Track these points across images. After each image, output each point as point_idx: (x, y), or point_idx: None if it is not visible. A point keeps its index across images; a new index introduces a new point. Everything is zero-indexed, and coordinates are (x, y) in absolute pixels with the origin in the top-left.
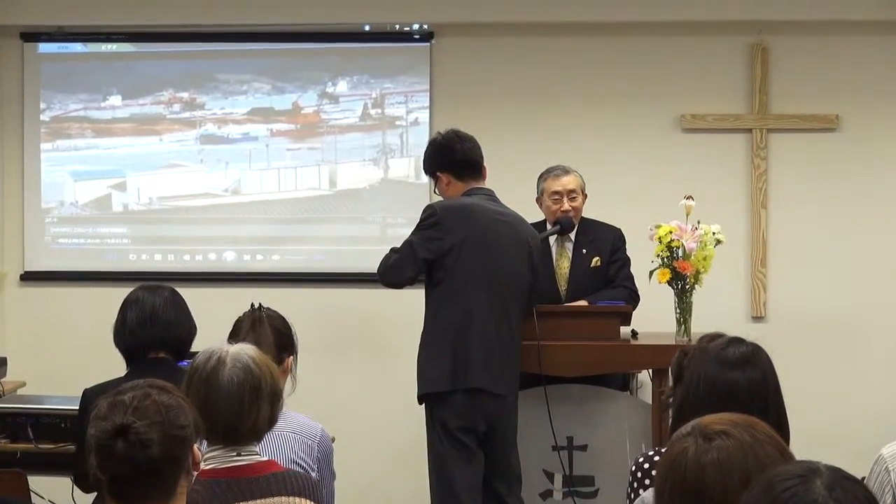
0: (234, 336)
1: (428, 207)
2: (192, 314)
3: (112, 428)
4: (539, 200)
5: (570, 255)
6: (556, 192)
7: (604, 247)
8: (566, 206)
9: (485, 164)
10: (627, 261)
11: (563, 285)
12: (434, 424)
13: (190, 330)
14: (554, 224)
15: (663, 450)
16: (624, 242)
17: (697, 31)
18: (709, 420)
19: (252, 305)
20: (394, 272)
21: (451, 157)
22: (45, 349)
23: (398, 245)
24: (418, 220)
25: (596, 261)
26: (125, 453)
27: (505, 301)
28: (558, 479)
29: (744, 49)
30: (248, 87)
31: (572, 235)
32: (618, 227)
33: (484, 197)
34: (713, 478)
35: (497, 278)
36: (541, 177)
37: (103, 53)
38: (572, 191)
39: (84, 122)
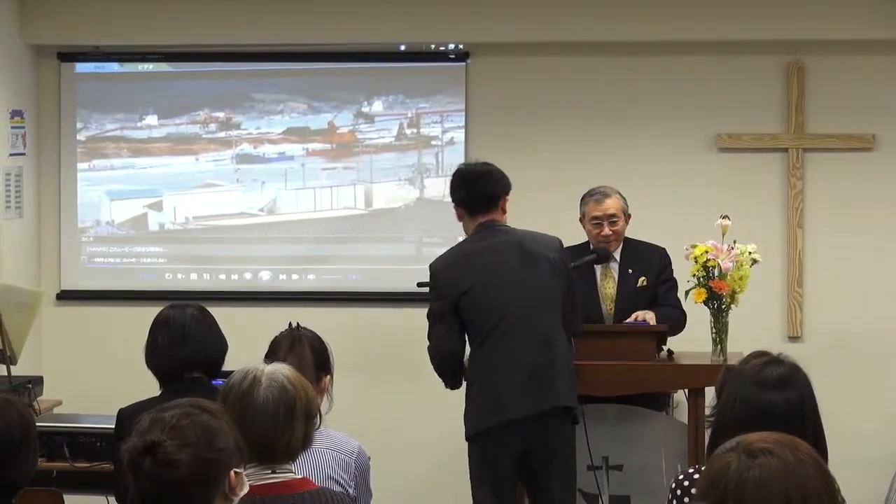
0: (272, 356)
1: (430, 268)
2: (227, 334)
3: (142, 445)
4: (581, 221)
5: (616, 276)
6: (596, 218)
7: (650, 267)
8: (606, 231)
9: (506, 196)
10: (675, 282)
11: (608, 306)
12: (474, 449)
13: (221, 347)
14: (591, 252)
15: (703, 468)
16: (670, 262)
17: (734, 50)
18: (753, 437)
19: (290, 325)
20: (438, 345)
21: (457, 195)
22: (81, 368)
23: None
24: None
25: (642, 281)
26: (151, 471)
27: (533, 319)
28: (604, 500)
29: (780, 69)
30: (284, 106)
31: (617, 256)
32: (662, 246)
33: (488, 231)
34: (753, 495)
35: (515, 303)
36: (582, 199)
37: (140, 73)
38: (612, 215)
39: (120, 141)
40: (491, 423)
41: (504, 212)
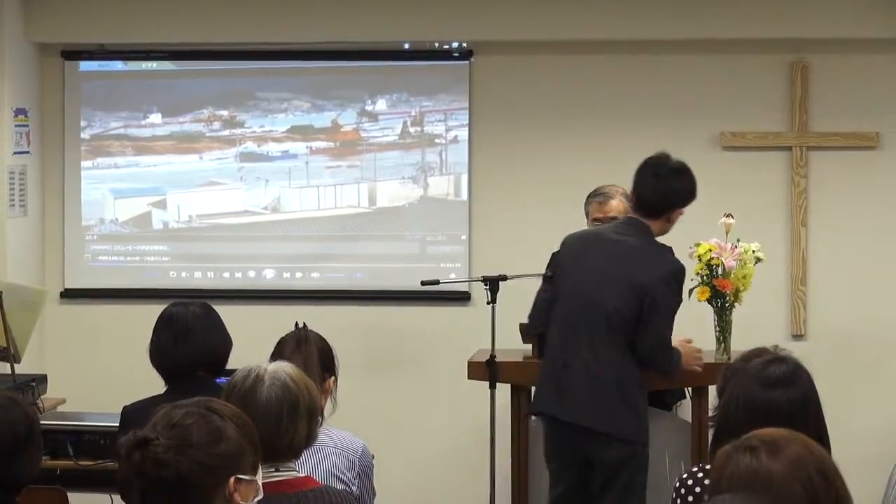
0: (278, 355)
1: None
2: (231, 332)
3: (134, 439)
4: (587, 220)
5: None
6: (598, 220)
7: None
8: None
9: (672, 210)
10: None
11: None
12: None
13: (225, 345)
14: None
15: (707, 466)
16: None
17: (737, 48)
18: (761, 433)
19: (296, 325)
20: (533, 309)
21: (636, 181)
22: (85, 366)
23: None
24: None
25: None
26: (137, 467)
27: (592, 329)
28: None
29: (784, 67)
30: (288, 105)
31: None
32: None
33: (621, 226)
34: (725, 488)
35: (584, 307)
36: (587, 198)
37: (144, 71)
38: (614, 218)
39: (124, 139)
40: (535, 407)
41: (668, 221)
